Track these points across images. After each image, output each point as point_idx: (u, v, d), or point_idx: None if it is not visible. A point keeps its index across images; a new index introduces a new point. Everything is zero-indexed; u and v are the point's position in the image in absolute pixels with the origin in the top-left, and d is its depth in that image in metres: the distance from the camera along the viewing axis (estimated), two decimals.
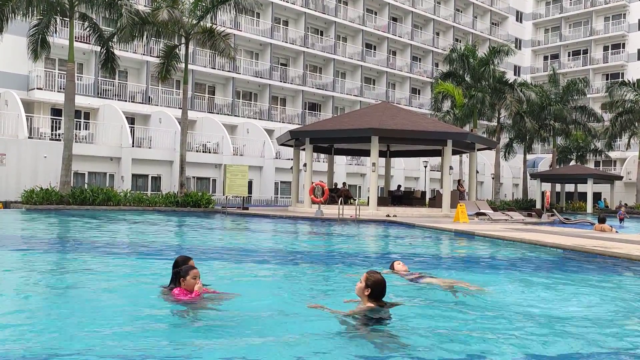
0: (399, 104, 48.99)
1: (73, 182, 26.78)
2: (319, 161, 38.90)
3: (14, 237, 13.44)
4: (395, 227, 19.35)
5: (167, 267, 6.44)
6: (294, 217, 22.83)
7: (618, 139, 45.73)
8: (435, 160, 41.99)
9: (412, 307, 5.91)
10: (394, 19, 53.67)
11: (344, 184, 31.34)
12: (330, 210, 24.12)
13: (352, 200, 27.60)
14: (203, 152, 35.13)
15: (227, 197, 30.30)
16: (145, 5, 33.33)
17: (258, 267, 9.29)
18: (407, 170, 45.69)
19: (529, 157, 51.87)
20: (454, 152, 28.94)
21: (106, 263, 9.20)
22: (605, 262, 10.10)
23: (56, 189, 24.01)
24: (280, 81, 44.17)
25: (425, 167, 42.44)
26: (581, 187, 47.55)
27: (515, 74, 60.52)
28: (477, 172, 33.42)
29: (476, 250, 13.03)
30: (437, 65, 55.03)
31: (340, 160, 39.67)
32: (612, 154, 51.60)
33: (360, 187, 43.36)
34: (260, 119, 42.28)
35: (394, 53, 53.80)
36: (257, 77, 42.92)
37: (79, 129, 31.03)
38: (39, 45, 24.27)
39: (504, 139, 47.30)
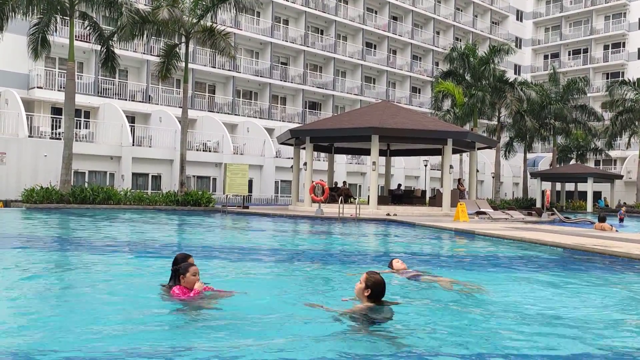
0: (399, 103, 48.97)
1: (73, 181, 26.79)
2: (319, 160, 38.91)
3: (13, 236, 13.44)
4: (395, 226, 19.36)
5: (167, 266, 6.44)
6: (294, 216, 22.84)
7: (618, 138, 45.74)
8: (435, 159, 41.98)
9: (412, 306, 5.91)
10: (394, 18, 53.65)
11: (344, 182, 31.33)
12: (331, 209, 24.12)
13: (352, 199, 27.60)
14: (203, 151, 35.13)
15: (227, 196, 30.31)
16: (145, 4, 33.30)
17: (258, 265, 9.30)
18: (408, 169, 45.69)
19: (529, 156, 51.87)
20: (454, 151, 28.94)
21: (106, 261, 9.20)
22: (605, 261, 10.11)
23: (56, 188, 24.02)
24: (281, 80, 44.16)
25: (426, 166, 42.43)
26: (581, 186, 47.54)
27: (515, 73, 60.51)
28: (477, 171, 33.43)
29: (476, 249, 13.04)
30: (437, 64, 55.02)
31: (341, 159, 39.67)
32: (612, 153, 51.60)
33: (360, 186, 43.35)
34: (260, 117, 42.27)
35: (394, 52, 53.79)
36: (258, 76, 42.90)
37: (79, 128, 31.03)
38: (39, 44, 24.26)
39: (504, 137, 47.28)
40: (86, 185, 27.18)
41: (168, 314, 5.45)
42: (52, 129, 30.21)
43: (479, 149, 29.68)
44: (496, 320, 5.47)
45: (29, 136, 28.23)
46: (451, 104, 39.91)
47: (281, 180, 38.56)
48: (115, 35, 25.70)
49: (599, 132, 46.75)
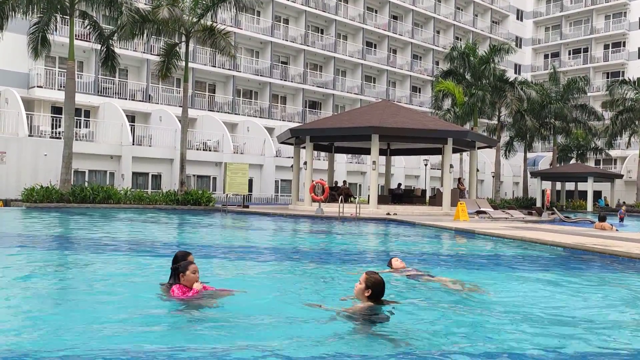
0: (400, 102, 48.96)
1: (73, 180, 26.78)
2: (319, 159, 38.90)
3: (13, 235, 13.43)
4: (395, 225, 19.36)
5: (167, 265, 6.44)
6: (294, 215, 22.84)
7: (618, 138, 45.75)
8: (435, 159, 41.97)
9: (411, 305, 5.90)
10: (395, 17, 53.63)
11: (345, 182, 31.34)
12: (331, 209, 24.12)
13: (352, 199, 27.60)
14: (203, 150, 35.13)
15: (227, 195, 30.31)
16: (145, 3, 33.28)
17: (257, 264, 9.29)
18: (408, 169, 45.69)
19: (530, 155, 51.86)
20: (455, 151, 28.94)
21: (105, 260, 9.19)
22: (605, 261, 10.10)
23: (56, 187, 24.01)
24: (281, 79, 44.15)
25: (426, 165, 42.43)
26: (581, 186, 47.56)
27: (515, 73, 60.49)
28: (478, 170, 33.42)
29: (476, 249, 13.03)
30: (437, 63, 55.00)
31: (341, 159, 39.67)
32: (613, 153, 51.59)
33: (360, 185, 43.35)
34: (260, 117, 42.27)
35: (395, 51, 53.77)
36: (258, 75, 42.89)
37: (79, 127, 31.02)
38: (39, 43, 24.25)
39: (505, 137, 47.28)
40: (86, 184, 27.17)
41: (167, 313, 5.44)
42: (52, 128, 30.21)
43: (479, 148, 29.67)
44: (496, 320, 5.47)
45: (29, 135, 28.22)
46: (451, 103, 39.91)
47: (281, 180, 38.56)
48: (116, 34, 25.70)
49: (599, 131, 46.75)
